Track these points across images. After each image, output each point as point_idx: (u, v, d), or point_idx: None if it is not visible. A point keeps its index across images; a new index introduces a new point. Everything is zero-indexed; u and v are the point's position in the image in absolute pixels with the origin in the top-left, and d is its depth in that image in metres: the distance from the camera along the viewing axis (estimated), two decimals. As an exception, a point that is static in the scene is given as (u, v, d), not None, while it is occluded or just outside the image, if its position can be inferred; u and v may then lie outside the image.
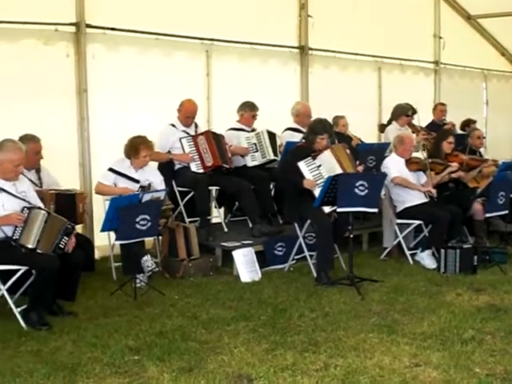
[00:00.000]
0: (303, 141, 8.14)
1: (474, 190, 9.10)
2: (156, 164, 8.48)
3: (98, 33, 8.76)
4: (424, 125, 11.22)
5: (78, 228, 7.26)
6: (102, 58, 8.82)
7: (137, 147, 7.71)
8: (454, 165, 8.87)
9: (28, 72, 8.16)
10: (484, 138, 10.31)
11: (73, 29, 8.56)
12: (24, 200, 6.21)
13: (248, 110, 9.17)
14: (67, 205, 7.21)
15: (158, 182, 7.83)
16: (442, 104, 12.22)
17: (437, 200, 8.66)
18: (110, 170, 7.80)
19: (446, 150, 9.13)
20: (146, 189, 7.55)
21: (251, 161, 9.05)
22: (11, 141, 6.29)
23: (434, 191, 8.60)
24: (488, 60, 15.05)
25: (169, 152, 8.59)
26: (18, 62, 8.11)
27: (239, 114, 9.23)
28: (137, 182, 7.69)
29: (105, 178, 7.83)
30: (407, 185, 8.60)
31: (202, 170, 8.52)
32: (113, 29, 8.83)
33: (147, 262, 7.28)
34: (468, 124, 11.83)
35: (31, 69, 8.19)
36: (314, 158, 7.73)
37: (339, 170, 7.62)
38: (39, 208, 6.23)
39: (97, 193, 8.01)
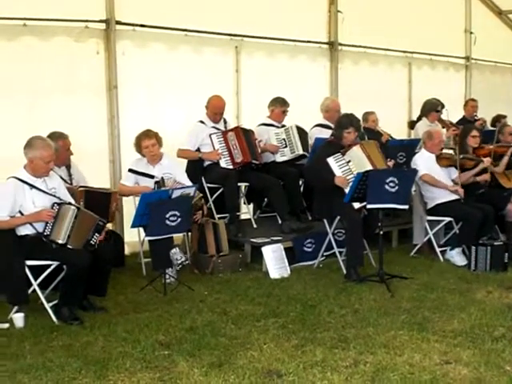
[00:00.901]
0: (332, 137, 8.11)
1: (507, 188, 9.00)
2: (174, 156, 8.44)
3: (127, 30, 8.82)
4: (454, 121, 11.11)
5: (109, 225, 7.29)
6: (132, 55, 8.88)
7: (138, 142, 7.81)
8: (487, 160, 8.78)
9: (59, 69, 8.25)
10: (516, 133, 10.16)
11: (103, 26, 8.63)
12: (54, 196, 6.26)
13: (279, 105, 9.17)
14: (99, 202, 7.24)
15: (178, 173, 7.87)
16: (473, 100, 12.06)
17: (469, 197, 8.58)
18: (130, 170, 7.88)
19: (472, 145, 9.02)
20: (160, 183, 7.58)
21: (280, 156, 9.03)
22: (40, 138, 6.32)
23: (461, 191, 8.50)
24: (519, 55, 14.87)
25: (198, 150, 8.59)
26: (49, 59, 8.20)
27: (270, 110, 9.23)
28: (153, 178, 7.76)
29: (126, 179, 7.95)
30: (435, 183, 8.51)
31: (231, 166, 8.50)
32: (142, 25, 8.88)
33: (176, 254, 7.31)
34: (499, 119, 11.65)
35: (62, 66, 8.28)
36: (344, 153, 7.70)
37: (369, 166, 7.57)
38: (69, 204, 6.28)
39: (120, 194, 8.05)
